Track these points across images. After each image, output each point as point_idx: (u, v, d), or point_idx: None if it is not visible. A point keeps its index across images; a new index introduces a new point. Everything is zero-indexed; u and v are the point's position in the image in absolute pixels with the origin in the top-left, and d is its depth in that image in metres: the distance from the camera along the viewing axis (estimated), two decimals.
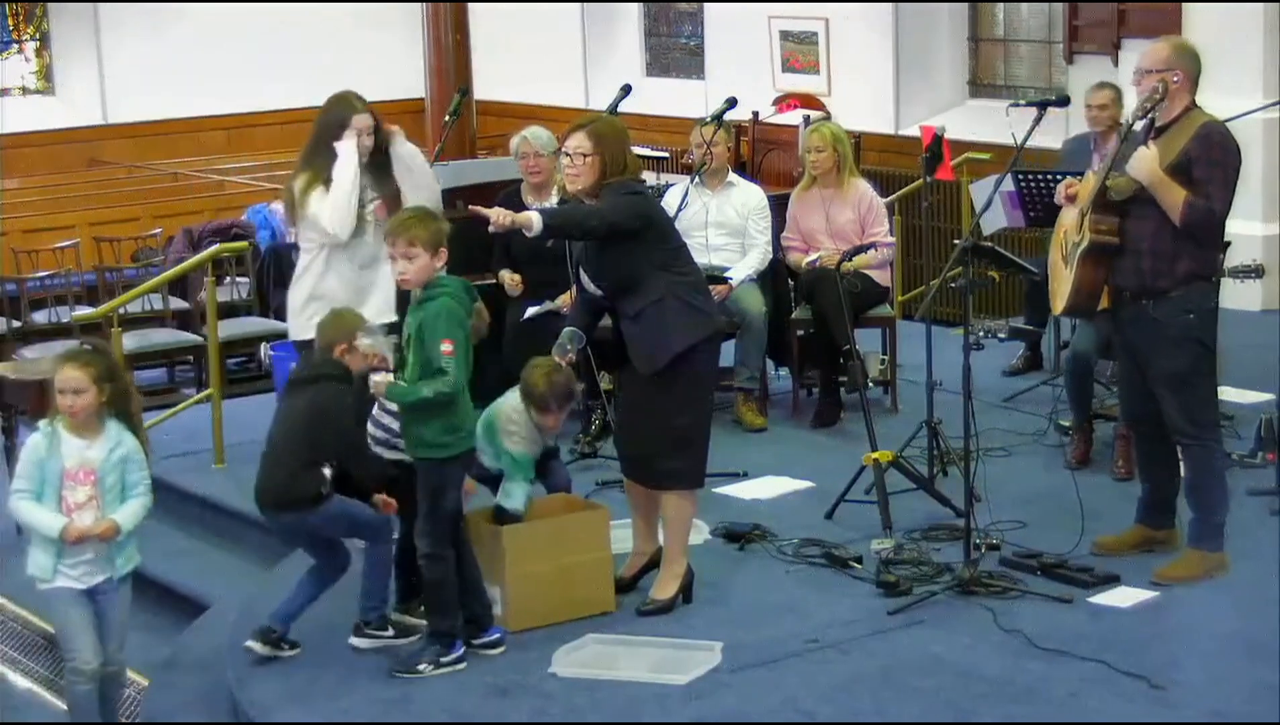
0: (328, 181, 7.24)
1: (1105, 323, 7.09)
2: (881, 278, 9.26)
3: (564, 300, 8.58)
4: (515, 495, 6.58)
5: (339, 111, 7.35)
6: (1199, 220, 6.47)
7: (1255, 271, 8.32)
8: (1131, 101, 6.83)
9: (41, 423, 6.23)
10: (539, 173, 8.90)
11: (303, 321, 7.41)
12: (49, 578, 6.22)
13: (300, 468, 6.35)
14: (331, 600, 6.80)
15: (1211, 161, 6.48)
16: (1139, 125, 6.61)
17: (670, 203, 8.77)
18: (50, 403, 6.25)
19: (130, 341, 10.29)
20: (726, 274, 8.94)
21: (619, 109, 7.94)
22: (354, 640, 6.49)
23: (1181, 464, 6.88)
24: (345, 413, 6.43)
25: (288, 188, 7.45)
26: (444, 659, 6.21)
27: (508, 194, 9.03)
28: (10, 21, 17.72)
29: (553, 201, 8.81)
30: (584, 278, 6.67)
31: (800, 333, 9.12)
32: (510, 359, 8.75)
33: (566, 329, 6.74)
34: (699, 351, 6.48)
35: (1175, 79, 6.54)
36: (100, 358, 6.22)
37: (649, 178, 9.65)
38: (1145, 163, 6.48)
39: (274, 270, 12.51)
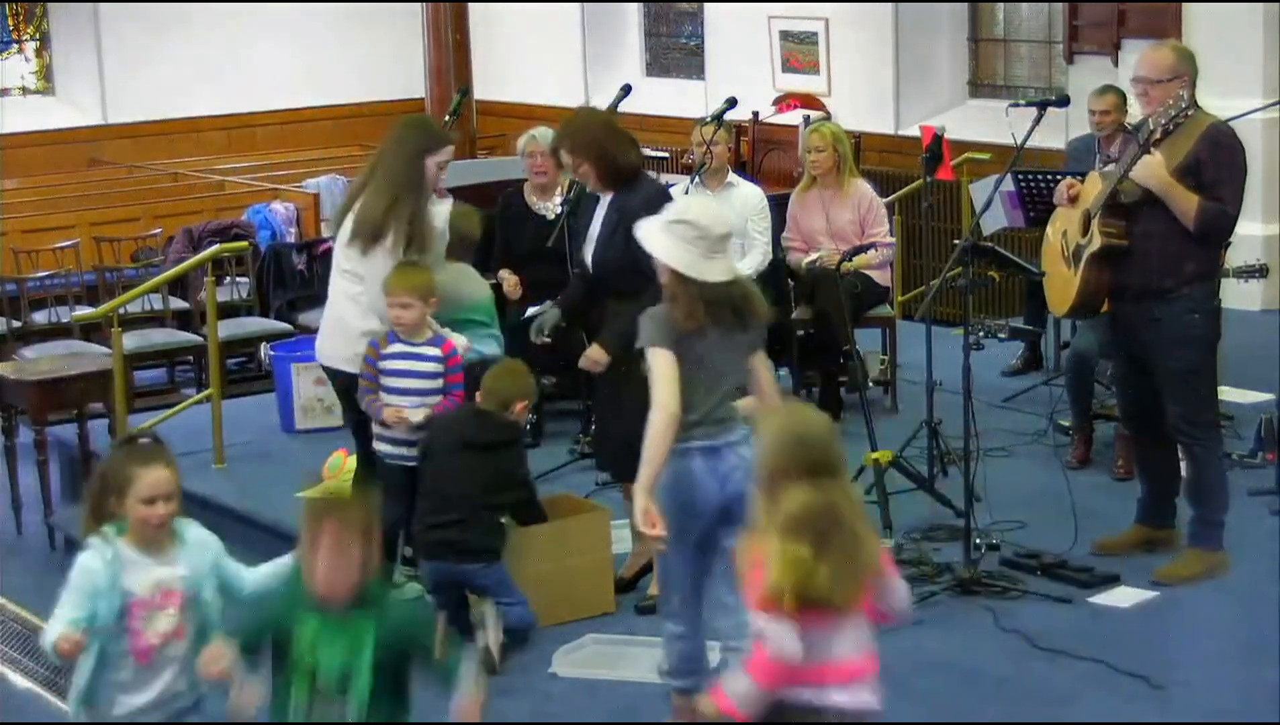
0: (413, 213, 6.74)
1: (1105, 322, 7.09)
2: (881, 278, 9.26)
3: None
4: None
5: (426, 138, 6.82)
6: (1214, 223, 6.47)
7: (1260, 271, 8.33)
8: (1136, 107, 6.81)
9: (94, 540, 4.78)
10: (545, 173, 8.88)
11: (356, 352, 6.79)
12: None
13: (492, 524, 6.48)
14: None
15: (1221, 164, 6.48)
16: (1159, 131, 6.54)
17: None
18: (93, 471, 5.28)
19: (130, 341, 10.28)
20: None
21: (619, 109, 7.94)
22: None
23: (1182, 464, 6.88)
24: (527, 473, 6.70)
25: (364, 206, 6.71)
26: None
27: (510, 193, 9.04)
28: (10, 21, 17.71)
29: (556, 202, 8.82)
30: (585, 257, 6.67)
31: (800, 333, 9.12)
32: (510, 357, 8.77)
33: (551, 311, 6.78)
34: None
35: (1183, 84, 6.54)
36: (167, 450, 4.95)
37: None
38: (1152, 170, 6.46)
39: (274, 270, 12.51)
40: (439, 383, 6.67)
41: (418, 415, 6.58)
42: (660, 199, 6.48)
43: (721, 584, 5.40)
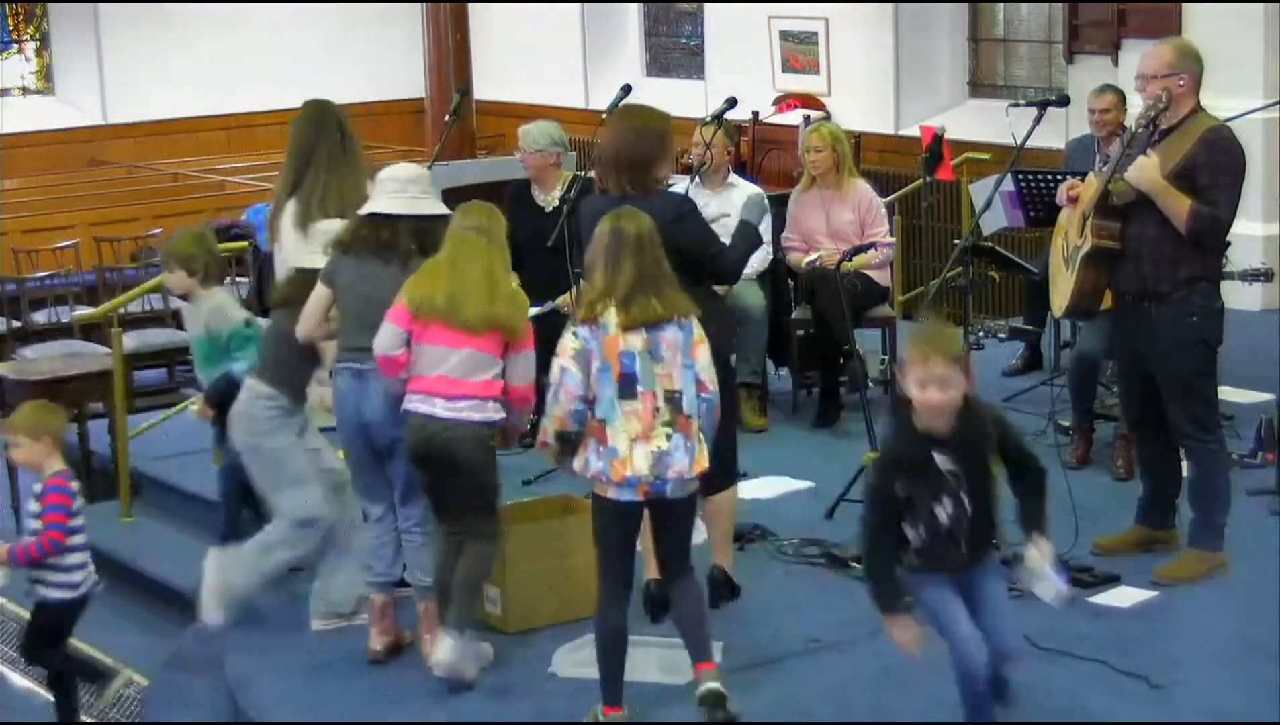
0: None
1: (1109, 323, 7.08)
2: (881, 278, 9.25)
3: (564, 300, 8.58)
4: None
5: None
6: (1205, 228, 6.45)
7: (1264, 275, 8.32)
8: (1136, 105, 6.81)
9: None
10: (529, 167, 8.98)
11: None
12: None
13: None
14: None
15: (1217, 168, 6.46)
16: (1141, 130, 6.59)
17: None
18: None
19: (130, 341, 10.28)
20: None
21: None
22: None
23: (1184, 465, 6.88)
24: None
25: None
26: None
27: (517, 184, 9.09)
28: (10, 21, 17.73)
29: (555, 196, 8.83)
30: None
31: (800, 333, 9.12)
32: None
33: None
34: None
35: (1180, 83, 6.52)
36: None
37: None
38: (1146, 172, 6.45)
39: (274, 270, 12.49)
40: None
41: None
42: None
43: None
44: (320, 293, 6.39)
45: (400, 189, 6.33)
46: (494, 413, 6.07)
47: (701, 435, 5.66)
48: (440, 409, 6.02)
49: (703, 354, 5.67)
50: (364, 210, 6.38)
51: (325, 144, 7.39)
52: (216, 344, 7.10)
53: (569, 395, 5.56)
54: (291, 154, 7.49)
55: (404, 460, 6.21)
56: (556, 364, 5.60)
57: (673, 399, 5.58)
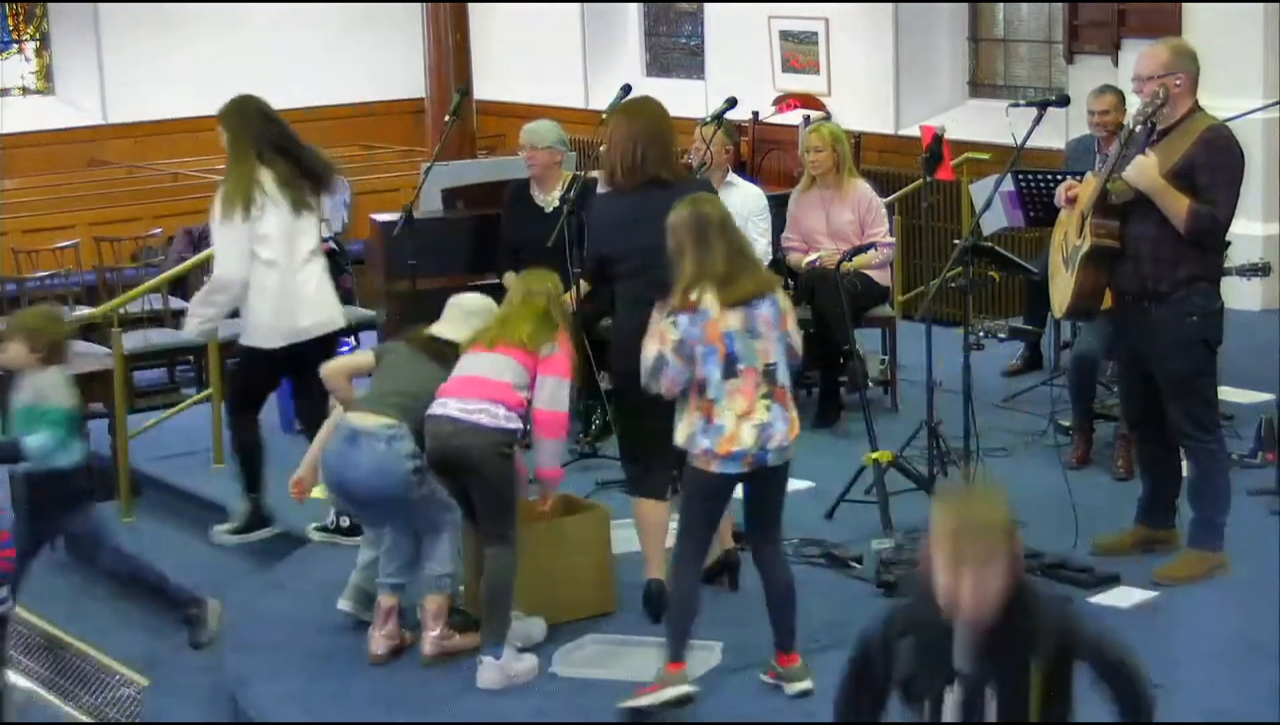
0: None
1: (1108, 323, 7.09)
2: (881, 278, 9.25)
3: (564, 300, 8.58)
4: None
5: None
6: (1204, 228, 6.45)
7: (1262, 269, 8.33)
8: (1135, 105, 6.81)
9: None
10: (534, 165, 8.97)
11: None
12: None
13: None
14: (330, 598, 6.81)
15: (1215, 167, 6.46)
16: (1139, 129, 6.60)
17: None
18: None
19: (130, 341, 10.27)
20: None
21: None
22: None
23: (1184, 465, 6.88)
24: None
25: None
26: None
27: (516, 184, 9.09)
28: (10, 21, 17.71)
29: (555, 197, 8.83)
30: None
31: (800, 333, 9.10)
32: None
33: None
34: None
35: (1177, 83, 6.51)
36: None
37: None
38: (1145, 171, 6.45)
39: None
40: None
41: None
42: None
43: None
44: (366, 360, 6.63)
45: (464, 318, 6.53)
46: (507, 422, 6.08)
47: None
48: (453, 409, 6.07)
49: (792, 324, 5.93)
50: (435, 331, 6.57)
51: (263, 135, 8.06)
52: (34, 415, 6.90)
53: (672, 384, 5.70)
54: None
55: (402, 515, 6.36)
56: (653, 348, 5.71)
57: (770, 372, 5.79)
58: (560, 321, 6.24)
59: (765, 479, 5.87)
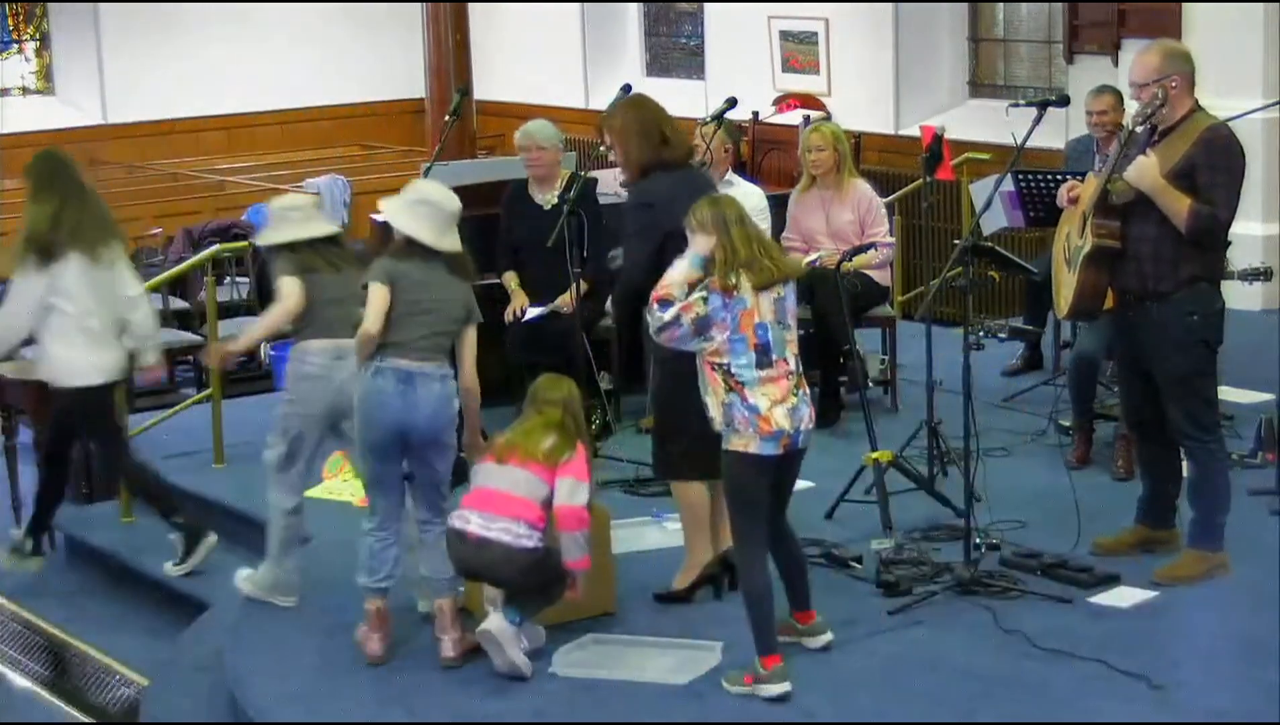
0: None
1: (1108, 322, 7.08)
2: (881, 278, 9.25)
3: (564, 300, 8.58)
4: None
5: None
6: (1204, 228, 6.45)
7: (1264, 274, 8.32)
8: (1134, 107, 6.80)
9: None
10: (539, 166, 8.93)
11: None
12: None
13: None
14: (329, 598, 6.81)
15: (1215, 167, 6.45)
16: (1139, 129, 6.60)
17: None
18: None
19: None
20: None
21: None
22: None
23: (1184, 465, 6.88)
24: None
25: None
26: None
27: (515, 184, 9.07)
28: (10, 21, 17.72)
29: (554, 196, 8.83)
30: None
31: (800, 333, 9.09)
32: (512, 358, 8.77)
33: None
34: None
35: (1173, 84, 6.51)
36: None
37: None
38: (1145, 172, 6.45)
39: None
40: None
41: None
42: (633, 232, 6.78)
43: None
44: (384, 296, 6.32)
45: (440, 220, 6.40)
46: (528, 540, 6.09)
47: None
48: (475, 525, 6.10)
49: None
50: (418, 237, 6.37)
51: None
52: None
53: (671, 341, 5.88)
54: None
55: (440, 458, 6.34)
56: (671, 310, 5.82)
57: (796, 360, 6.04)
58: (576, 432, 6.27)
59: (791, 462, 6.02)
